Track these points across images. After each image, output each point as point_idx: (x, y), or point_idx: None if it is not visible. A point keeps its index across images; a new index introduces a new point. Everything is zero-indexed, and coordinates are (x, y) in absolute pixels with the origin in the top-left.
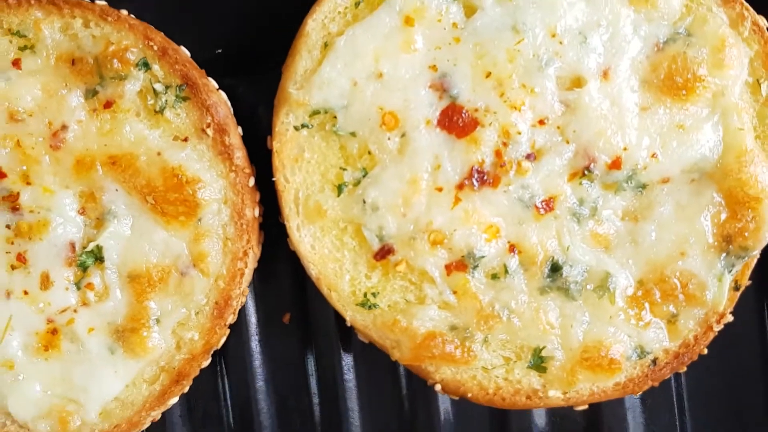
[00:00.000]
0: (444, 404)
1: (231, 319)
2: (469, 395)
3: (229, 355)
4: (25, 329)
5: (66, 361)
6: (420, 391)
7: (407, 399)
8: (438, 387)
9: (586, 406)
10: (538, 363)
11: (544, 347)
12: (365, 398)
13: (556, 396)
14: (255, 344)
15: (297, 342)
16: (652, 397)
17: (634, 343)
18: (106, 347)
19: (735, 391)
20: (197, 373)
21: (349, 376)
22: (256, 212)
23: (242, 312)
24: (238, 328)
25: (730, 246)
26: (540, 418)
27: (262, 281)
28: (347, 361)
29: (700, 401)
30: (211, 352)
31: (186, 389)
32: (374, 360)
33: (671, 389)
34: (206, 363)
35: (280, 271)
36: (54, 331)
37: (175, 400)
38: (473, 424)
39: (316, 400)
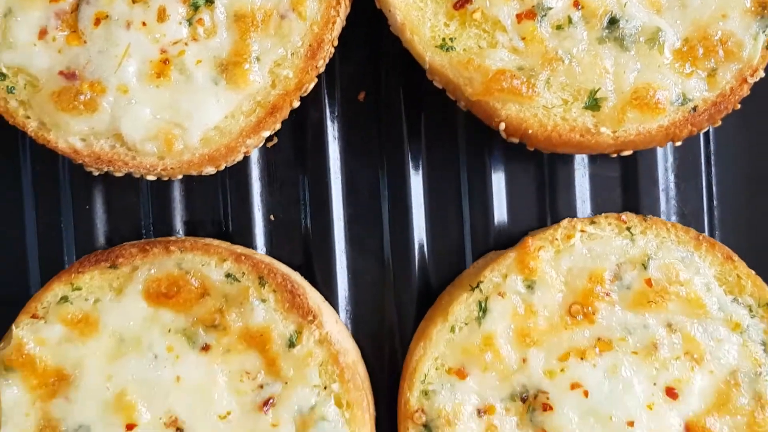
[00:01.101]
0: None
1: (321, 64)
2: (530, 131)
3: (308, 131)
4: (140, 57)
5: (174, 90)
6: (477, 174)
7: (464, 178)
8: (502, 126)
9: (630, 152)
10: (593, 103)
11: (599, 89)
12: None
13: (606, 134)
14: (329, 121)
15: (368, 119)
16: (685, 182)
17: (678, 90)
18: (210, 79)
19: (761, 177)
20: (287, 115)
21: (417, 166)
22: None
23: (319, 87)
24: (316, 102)
25: (766, 11)
26: (583, 202)
27: (343, 60)
28: (414, 146)
29: (728, 190)
30: (301, 93)
31: (278, 126)
32: (438, 150)
33: (701, 177)
34: (296, 104)
35: (360, 45)
36: (166, 61)
37: (267, 133)
38: (524, 207)
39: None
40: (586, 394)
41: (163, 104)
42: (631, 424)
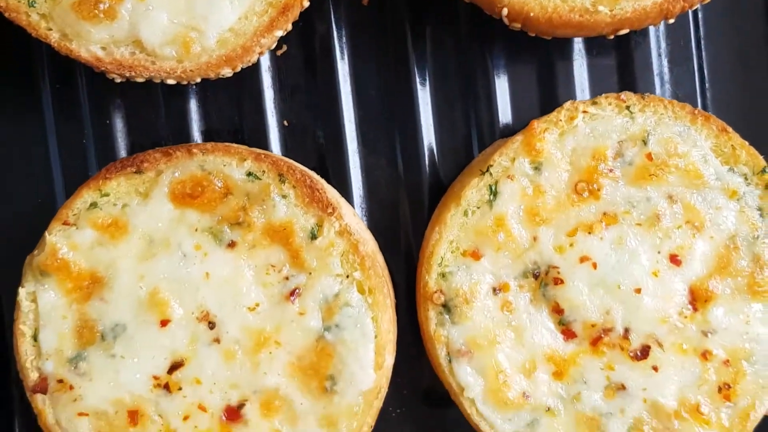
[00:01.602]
0: (501, 82)
1: None
2: (532, 15)
3: (316, 37)
4: None
5: None
6: (480, 74)
7: (468, 78)
8: (505, 12)
9: (627, 30)
10: None
11: None
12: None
13: (604, 12)
14: (335, 26)
15: (374, 23)
16: (677, 66)
17: None
18: None
19: (748, 56)
20: (297, 15)
21: (423, 68)
22: None
23: None
24: (322, 8)
25: None
26: (583, 91)
27: None
28: (419, 49)
29: (718, 71)
30: None
31: (289, 26)
32: (442, 52)
33: (692, 60)
34: (306, 3)
35: None
36: None
37: (280, 33)
38: (526, 101)
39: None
40: (594, 266)
41: (179, 9)
42: (638, 291)
